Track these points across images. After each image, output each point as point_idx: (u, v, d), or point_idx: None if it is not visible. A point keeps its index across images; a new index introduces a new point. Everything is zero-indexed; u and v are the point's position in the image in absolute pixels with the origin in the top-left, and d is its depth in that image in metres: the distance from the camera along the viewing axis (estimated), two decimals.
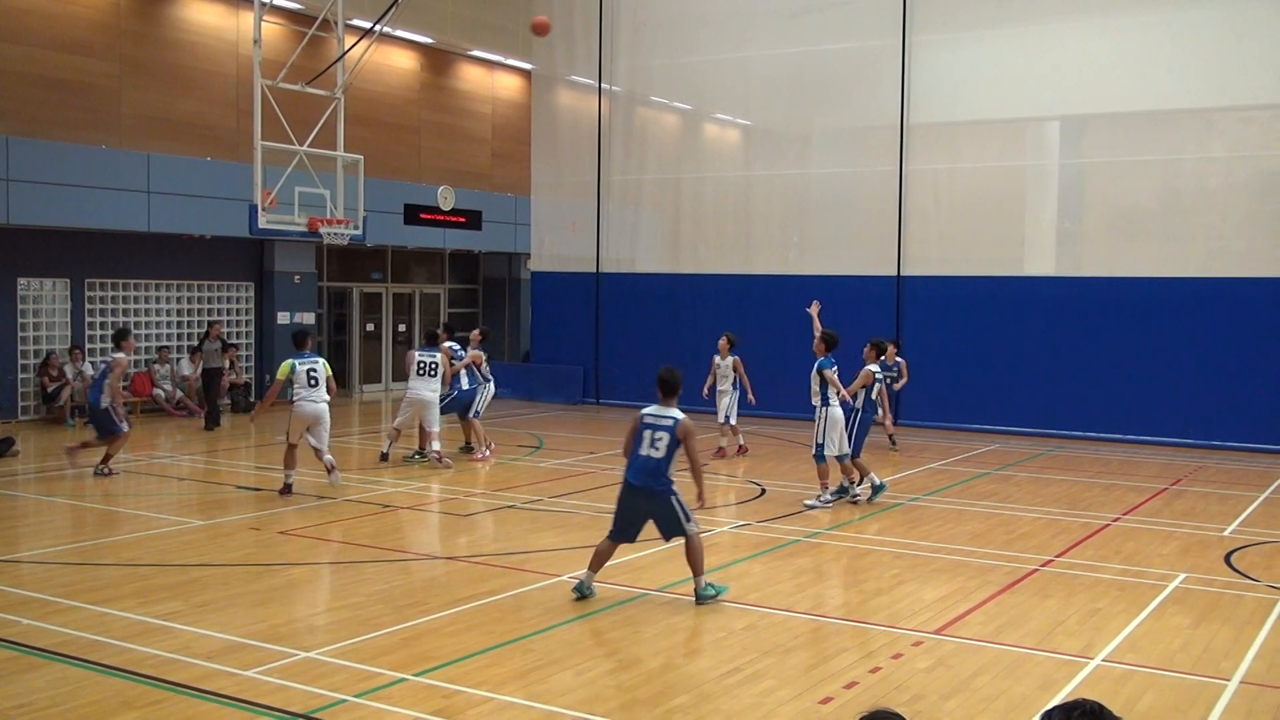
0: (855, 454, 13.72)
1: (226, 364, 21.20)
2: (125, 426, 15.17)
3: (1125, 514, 13.27)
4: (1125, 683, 7.49)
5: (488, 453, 16.86)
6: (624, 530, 9.31)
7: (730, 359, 17.17)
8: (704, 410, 17.00)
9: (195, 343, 22.29)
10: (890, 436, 18.06)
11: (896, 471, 16.07)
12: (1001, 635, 8.48)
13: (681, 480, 9.38)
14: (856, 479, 13.67)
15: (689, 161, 24.41)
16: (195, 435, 19.34)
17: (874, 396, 14.16)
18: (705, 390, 17.29)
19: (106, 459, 15.00)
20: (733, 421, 17.27)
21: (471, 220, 26.25)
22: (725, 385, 17.21)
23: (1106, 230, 20.64)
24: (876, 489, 13.66)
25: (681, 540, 9.28)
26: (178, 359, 22.29)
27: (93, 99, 20.89)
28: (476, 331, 17.77)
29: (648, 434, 9.17)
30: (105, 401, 14.85)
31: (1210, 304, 18.90)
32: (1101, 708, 3.06)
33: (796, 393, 21.84)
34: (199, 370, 20.97)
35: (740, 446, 17.46)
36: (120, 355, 15.13)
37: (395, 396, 26.45)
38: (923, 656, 8.01)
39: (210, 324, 21.12)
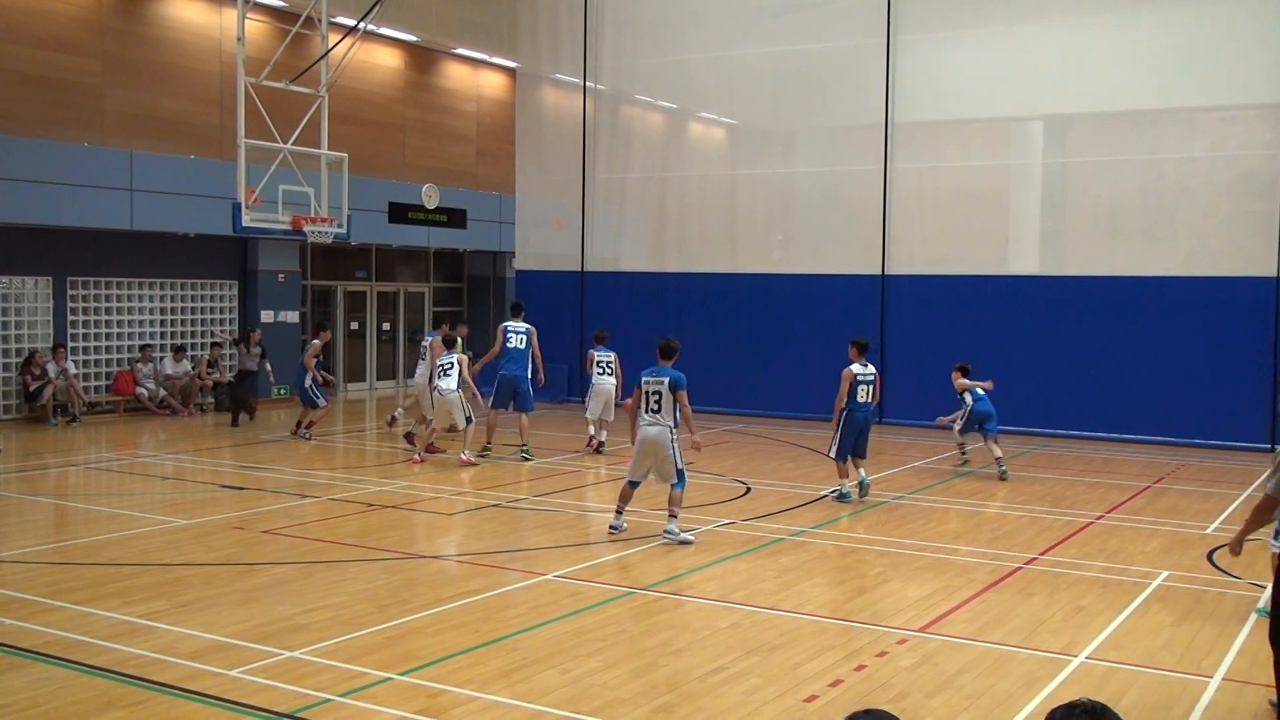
0: (857, 454, 13.60)
1: (268, 368, 21.64)
2: (323, 402, 18.59)
3: (1108, 512, 13.33)
4: (1108, 680, 7.52)
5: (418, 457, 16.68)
6: None
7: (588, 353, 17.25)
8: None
9: (178, 341, 22.54)
10: (997, 462, 15.43)
11: (880, 470, 16.10)
12: (985, 633, 8.52)
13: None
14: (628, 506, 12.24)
15: (674, 160, 24.39)
16: (179, 434, 19.28)
17: (860, 399, 13.43)
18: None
19: (309, 425, 18.54)
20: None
21: (456, 219, 26.19)
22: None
23: (1089, 229, 20.74)
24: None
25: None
26: (160, 358, 22.21)
27: (75, 96, 20.76)
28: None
29: None
30: (307, 380, 18.27)
31: (1192, 302, 18.99)
32: (1104, 708, 3.07)
33: (780, 392, 22.08)
34: (235, 371, 21.58)
35: (592, 440, 17.34)
36: (315, 341, 18.81)
37: (380, 395, 26.47)
38: (907, 654, 8.03)
39: (249, 330, 21.89)
